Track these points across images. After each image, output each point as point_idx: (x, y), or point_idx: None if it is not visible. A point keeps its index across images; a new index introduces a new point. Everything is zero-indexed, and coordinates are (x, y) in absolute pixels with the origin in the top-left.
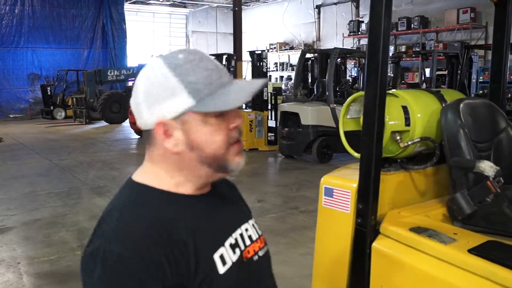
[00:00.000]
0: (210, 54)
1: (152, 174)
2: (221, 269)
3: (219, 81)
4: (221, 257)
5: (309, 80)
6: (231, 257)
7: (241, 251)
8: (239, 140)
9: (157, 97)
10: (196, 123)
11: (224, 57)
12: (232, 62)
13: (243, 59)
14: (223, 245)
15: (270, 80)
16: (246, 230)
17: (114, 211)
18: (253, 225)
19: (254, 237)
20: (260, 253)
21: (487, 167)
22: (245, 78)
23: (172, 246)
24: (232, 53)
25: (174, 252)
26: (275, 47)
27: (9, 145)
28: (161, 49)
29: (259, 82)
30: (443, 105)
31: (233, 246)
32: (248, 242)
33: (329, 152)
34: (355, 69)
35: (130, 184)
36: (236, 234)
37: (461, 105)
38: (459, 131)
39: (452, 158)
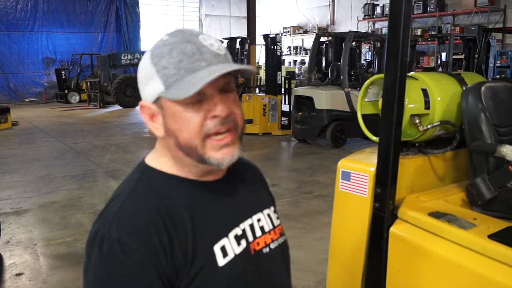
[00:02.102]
0: (223, 38)
1: (159, 158)
2: (221, 261)
3: (191, 66)
4: (222, 248)
5: (323, 64)
6: (234, 249)
7: (248, 243)
8: (226, 132)
9: (142, 81)
10: (171, 109)
11: (238, 40)
12: (245, 46)
13: (256, 43)
14: (226, 236)
15: (283, 64)
16: (259, 220)
17: (121, 195)
18: (268, 215)
19: (267, 228)
20: (272, 246)
21: (509, 152)
22: (258, 62)
23: (170, 234)
24: (246, 36)
25: (171, 240)
26: (288, 31)
27: (24, 128)
28: None
29: (234, 66)
30: (464, 88)
31: (239, 238)
32: (258, 233)
33: (343, 137)
34: (370, 53)
35: (141, 167)
36: (245, 225)
37: (483, 88)
38: (480, 115)
39: (473, 142)
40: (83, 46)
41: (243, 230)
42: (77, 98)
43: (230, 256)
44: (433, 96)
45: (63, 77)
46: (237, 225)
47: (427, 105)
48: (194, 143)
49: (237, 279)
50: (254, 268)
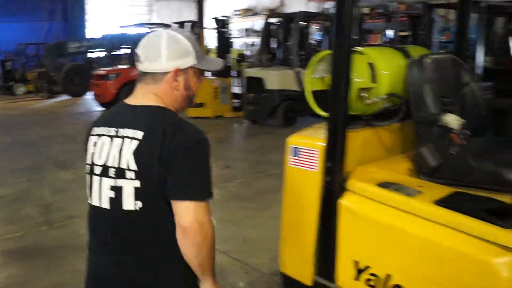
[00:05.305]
0: (173, 22)
1: (163, 103)
2: None
3: (203, 52)
4: None
5: (275, 45)
6: None
7: None
8: None
9: (177, 54)
10: (192, 75)
11: (189, 24)
12: (196, 29)
13: (207, 27)
14: None
15: (231, 46)
16: None
17: (180, 122)
18: None
19: None
20: None
21: (452, 120)
22: (206, 46)
23: None
24: (196, 20)
25: None
26: (239, 13)
27: None
28: (124, 19)
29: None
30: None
31: None
32: None
33: (294, 116)
34: (319, 32)
35: (157, 108)
36: None
37: (426, 60)
38: (424, 86)
39: (417, 113)
40: (29, 35)
41: None
42: (23, 89)
43: None
44: (379, 69)
45: (8, 69)
46: None
47: (373, 79)
48: (194, 94)
49: None
50: None
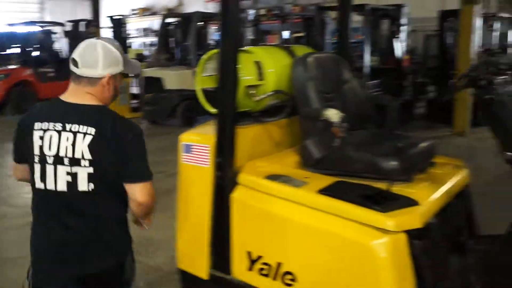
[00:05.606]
0: (67, 21)
1: (98, 102)
2: None
3: (127, 57)
4: None
5: (174, 45)
6: None
7: None
8: None
9: (111, 62)
10: (119, 78)
11: (84, 23)
12: (91, 28)
13: (103, 26)
14: None
15: (130, 47)
16: None
17: (122, 118)
18: None
19: None
20: None
21: (332, 114)
22: None
23: None
24: (91, 19)
25: None
26: (137, 13)
27: None
28: (13, 17)
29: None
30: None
31: None
32: None
33: (193, 115)
34: (218, 33)
35: (98, 106)
36: None
37: (309, 58)
38: (307, 83)
39: (302, 108)
40: None
41: None
42: None
43: None
44: (265, 68)
45: None
46: None
47: (260, 77)
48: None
49: None
50: None
